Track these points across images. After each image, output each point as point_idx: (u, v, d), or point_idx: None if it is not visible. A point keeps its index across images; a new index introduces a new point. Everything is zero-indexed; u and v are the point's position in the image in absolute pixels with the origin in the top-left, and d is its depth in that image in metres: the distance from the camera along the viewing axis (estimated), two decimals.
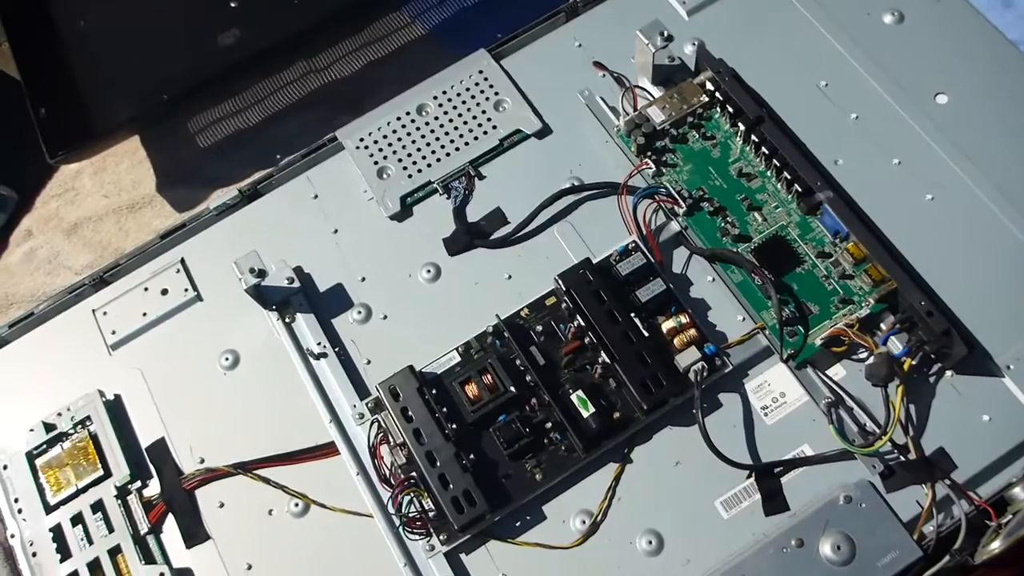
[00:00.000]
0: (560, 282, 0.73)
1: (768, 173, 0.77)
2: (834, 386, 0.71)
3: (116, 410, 0.77)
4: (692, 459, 0.70)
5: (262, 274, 0.75)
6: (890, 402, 0.69)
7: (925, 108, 0.81)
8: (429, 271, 0.80)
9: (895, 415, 0.68)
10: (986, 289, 0.74)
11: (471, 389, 0.71)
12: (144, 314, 0.81)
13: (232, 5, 0.95)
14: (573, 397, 0.71)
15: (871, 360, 0.70)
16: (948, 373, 0.71)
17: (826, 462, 0.70)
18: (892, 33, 0.85)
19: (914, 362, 0.70)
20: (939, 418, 0.70)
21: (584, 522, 0.69)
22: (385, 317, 0.79)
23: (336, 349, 0.77)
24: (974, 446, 0.69)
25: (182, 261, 0.83)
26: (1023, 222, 0.75)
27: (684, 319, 0.72)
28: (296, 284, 0.78)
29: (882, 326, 0.72)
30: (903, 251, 0.75)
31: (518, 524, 0.70)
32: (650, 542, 0.68)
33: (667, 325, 0.72)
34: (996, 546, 0.66)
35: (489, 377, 0.71)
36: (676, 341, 0.72)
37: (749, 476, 0.69)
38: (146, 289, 0.82)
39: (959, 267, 0.75)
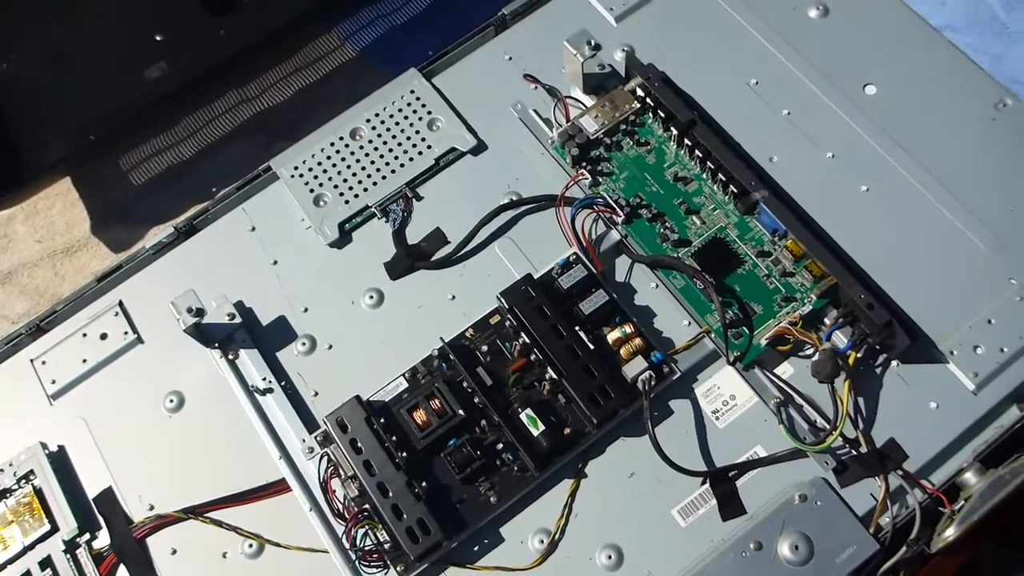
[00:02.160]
0: (502, 300, 0.73)
1: (703, 176, 0.77)
2: (782, 385, 0.71)
3: (60, 462, 0.75)
4: (646, 469, 0.70)
5: (200, 313, 0.73)
6: (838, 397, 0.69)
7: (855, 100, 0.81)
8: (372, 297, 0.79)
9: (843, 410, 0.68)
10: (926, 277, 0.74)
11: (419, 415, 0.70)
12: (84, 360, 0.79)
13: (157, 38, 0.93)
14: (523, 416, 0.70)
15: (816, 357, 0.70)
16: (894, 363, 0.72)
17: (779, 462, 0.70)
18: (818, 27, 0.86)
19: (859, 355, 0.70)
20: (888, 409, 0.71)
21: (542, 541, 0.69)
22: (330, 347, 0.78)
23: (282, 383, 0.76)
24: (924, 434, 0.69)
25: (120, 304, 0.81)
26: (958, 208, 0.76)
27: (629, 329, 0.72)
28: (237, 320, 0.77)
29: (826, 321, 0.72)
30: (842, 244, 0.75)
31: (476, 548, 0.69)
32: (610, 556, 0.68)
33: (612, 336, 0.72)
34: (951, 533, 0.66)
35: (437, 402, 0.70)
36: (622, 351, 0.71)
37: (704, 482, 0.69)
38: (85, 335, 0.80)
39: (898, 257, 0.75)
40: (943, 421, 0.70)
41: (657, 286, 0.76)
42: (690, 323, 0.74)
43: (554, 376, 0.70)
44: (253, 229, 0.83)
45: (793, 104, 0.82)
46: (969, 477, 0.69)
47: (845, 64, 0.83)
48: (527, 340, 0.71)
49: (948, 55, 0.83)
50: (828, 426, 0.69)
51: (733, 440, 0.71)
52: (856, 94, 0.82)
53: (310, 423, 0.74)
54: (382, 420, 0.70)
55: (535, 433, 0.69)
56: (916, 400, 0.71)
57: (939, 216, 0.76)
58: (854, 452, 0.69)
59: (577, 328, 0.71)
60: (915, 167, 0.78)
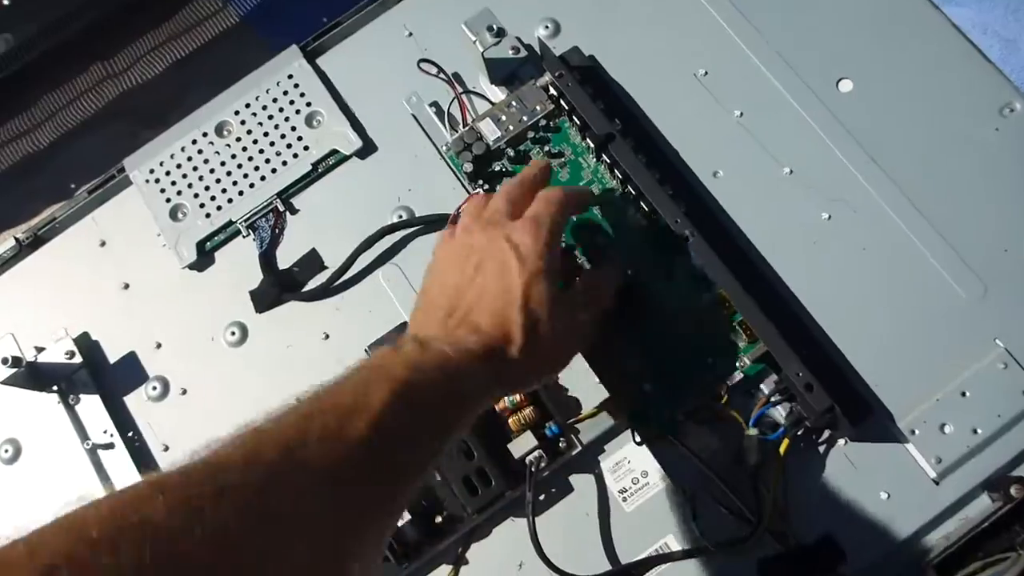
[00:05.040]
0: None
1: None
2: (701, 466, 0.59)
3: None
4: (538, 558, 0.59)
5: (17, 363, 0.63)
6: (763, 488, 0.57)
7: (825, 99, 0.66)
8: (234, 333, 0.67)
9: (769, 502, 0.57)
10: (891, 333, 0.60)
11: None
12: None
13: (4, 3, 0.78)
14: None
15: (744, 443, 0.58)
16: (841, 440, 0.59)
17: (692, 557, 0.58)
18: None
19: (796, 433, 0.58)
20: (827, 498, 0.59)
21: None
22: (184, 392, 0.67)
23: (129, 434, 0.66)
24: (868, 530, 0.58)
25: None
26: (939, 244, 0.62)
27: (518, 396, 0.60)
28: (78, 359, 0.66)
29: (763, 388, 0.59)
30: (792, 286, 0.62)
31: None
32: None
33: (500, 404, 0.60)
34: None
35: None
36: (511, 422, 0.60)
37: None
38: None
39: (859, 305, 0.61)
40: (894, 516, 0.58)
41: None
42: (600, 381, 0.62)
43: None
44: (103, 244, 0.71)
45: (748, 103, 0.66)
46: None
47: (817, 51, 0.67)
48: None
49: (947, 41, 0.66)
50: (752, 519, 0.57)
51: (642, 527, 0.59)
52: (827, 91, 0.66)
53: None
54: None
55: (400, 523, 0.58)
56: (863, 488, 0.58)
57: (916, 254, 0.62)
58: (782, 549, 0.58)
59: None
60: (890, 189, 0.63)
